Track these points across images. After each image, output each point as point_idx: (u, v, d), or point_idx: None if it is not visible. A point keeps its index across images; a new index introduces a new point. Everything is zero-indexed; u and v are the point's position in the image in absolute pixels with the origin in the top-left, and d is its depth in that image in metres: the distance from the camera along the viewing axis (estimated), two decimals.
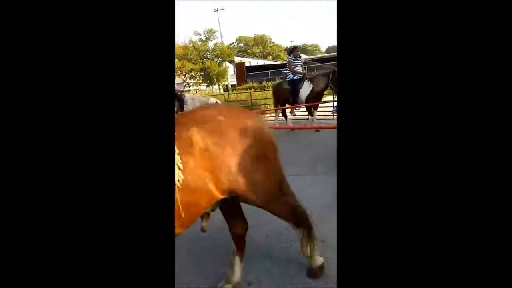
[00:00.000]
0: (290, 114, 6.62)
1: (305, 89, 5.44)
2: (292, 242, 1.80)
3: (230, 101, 9.40)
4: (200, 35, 20.59)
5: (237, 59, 24.34)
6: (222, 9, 31.41)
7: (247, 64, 22.43)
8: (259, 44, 43.07)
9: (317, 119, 5.75)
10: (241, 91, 12.64)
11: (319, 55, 30.35)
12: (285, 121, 6.17)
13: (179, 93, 5.42)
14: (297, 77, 5.62)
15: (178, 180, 1.03)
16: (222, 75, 19.44)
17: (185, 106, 3.71)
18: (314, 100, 5.35)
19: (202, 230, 1.39)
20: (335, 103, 5.69)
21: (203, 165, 1.10)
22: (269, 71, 18.88)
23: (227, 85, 20.44)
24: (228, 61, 21.42)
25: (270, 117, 7.89)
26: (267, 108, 8.61)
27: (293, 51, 5.90)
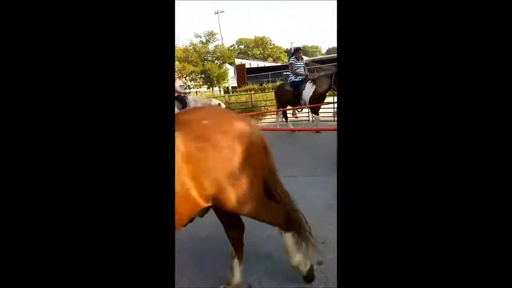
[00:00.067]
0: (291, 116, 6.62)
1: (308, 90, 5.44)
2: None
3: (230, 103, 9.40)
4: (201, 37, 20.68)
5: (238, 61, 24.38)
6: (223, 11, 31.57)
7: (247, 66, 22.49)
8: (259, 46, 43.16)
9: (317, 121, 5.76)
10: (242, 93, 12.66)
11: (319, 57, 30.42)
12: (285, 122, 6.18)
13: (181, 95, 5.45)
14: (299, 78, 5.63)
15: None
16: (222, 77, 19.48)
17: (187, 108, 3.74)
18: (317, 101, 5.36)
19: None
20: (336, 105, 5.69)
21: (186, 171, 1.04)
22: (269, 72, 18.93)
23: (227, 87, 20.47)
24: (228, 63, 21.47)
25: (271, 118, 7.91)
26: (267, 109, 8.62)
27: (295, 53, 5.93)
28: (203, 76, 19.07)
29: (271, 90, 11.00)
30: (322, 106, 5.70)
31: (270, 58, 40.95)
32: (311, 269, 1.48)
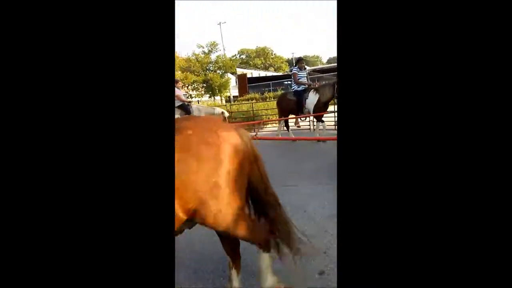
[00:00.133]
0: (293, 125, 6.63)
1: (312, 99, 5.48)
2: None
3: (232, 112, 9.46)
4: (203, 47, 20.99)
5: (239, 71, 24.65)
6: (225, 23, 32.08)
7: (249, 75, 22.72)
8: (260, 56, 43.71)
9: (319, 129, 5.77)
10: (243, 102, 12.75)
11: (320, 66, 30.69)
12: (287, 131, 6.20)
13: (185, 104, 5.49)
14: (301, 88, 5.68)
15: None
16: (224, 86, 19.69)
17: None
18: (320, 110, 5.38)
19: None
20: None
21: None
22: (270, 82, 19.11)
23: (229, 96, 20.63)
24: (230, 73, 21.70)
25: (272, 127, 7.93)
26: (268, 118, 8.65)
27: (298, 62, 6.00)
28: (205, 85, 19.26)
29: (272, 99, 11.07)
30: (324, 115, 5.72)
31: (272, 68, 41.41)
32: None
